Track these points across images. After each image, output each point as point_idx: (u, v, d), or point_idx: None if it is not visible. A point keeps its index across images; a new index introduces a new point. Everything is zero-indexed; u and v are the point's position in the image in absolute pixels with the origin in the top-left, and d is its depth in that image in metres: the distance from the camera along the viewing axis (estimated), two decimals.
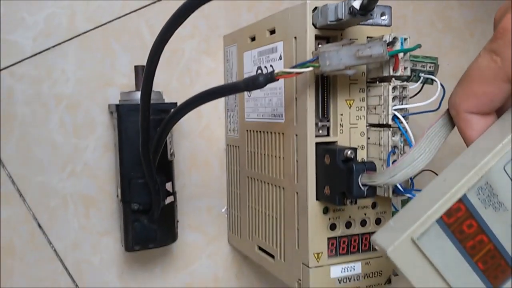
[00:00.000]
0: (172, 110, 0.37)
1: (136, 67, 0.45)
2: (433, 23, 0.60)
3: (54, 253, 0.46)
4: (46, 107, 0.45)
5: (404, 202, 0.40)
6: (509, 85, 0.27)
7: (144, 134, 0.37)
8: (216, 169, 0.50)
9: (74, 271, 0.47)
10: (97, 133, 0.47)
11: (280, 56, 0.38)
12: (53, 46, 0.45)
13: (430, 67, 0.38)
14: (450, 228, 0.27)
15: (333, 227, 0.35)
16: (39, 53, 0.45)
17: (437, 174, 0.39)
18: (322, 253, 0.35)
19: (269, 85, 0.39)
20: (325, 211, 0.35)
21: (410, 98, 0.35)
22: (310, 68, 0.32)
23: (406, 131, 0.34)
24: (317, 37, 0.34)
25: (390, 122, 0.34)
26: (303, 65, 0.32)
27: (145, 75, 0.34)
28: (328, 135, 0.35)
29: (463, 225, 0.27)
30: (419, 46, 0.34)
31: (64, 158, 0.46)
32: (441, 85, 0.36)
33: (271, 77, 0.32)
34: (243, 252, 0.47)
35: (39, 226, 0.46)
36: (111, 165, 0.47)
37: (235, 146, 0.48)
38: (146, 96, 0.35)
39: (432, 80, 0.38)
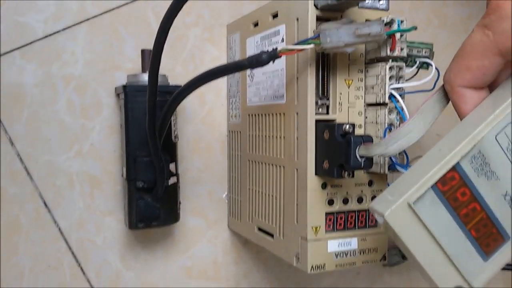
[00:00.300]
0: (180, 87, 0.38)
1: (142, 51, 0.46)
2: (429, 19, 0.61)
3: (58, 231, 0.47)
4: (55, 87, 0.47)
5: None
6: (500, 58, 0.28)
7: (151, 110, 0.39)
8: (217, 154, 0.51)
9: (78, 250, 0.48)
10: (103, 115, 0.48)
11: (283, 39, 0.39)
12: (63, 29, 0.47)
13: (425, 52, 0.40)
14: (444, 196, 0.28)
15: (330, 202, 0.37)
16: (50, 35, 0.46)
17: None
18: (320, 227, 0.36)
19: (270, 68, 0.41)
20: (324, 186, 0.36)
21: (406, 81, 0.37)
22: (312, 45, 0.33)
23: (402, 109, 0.35)
24: (318, 18, 0.36)
25: (387, 100, 0.35)
26: (304, 42, 0.33)
27: (154, 51, 0.36)
28: (327, 113, 0.37)
29: (457, 193, 0.29)
30: (414, 28, 0.35)
31: (71, 138, 0.47)
32: (436, 68, 0.38)
33: (274, 54, 0.34)
34: (243, 235, 0.48)
35: (45, 204, 0.47)
36: (116, 146, 0.48)
37: (237, 132, 0.49)
38: (154, 71, 0.36)
39: (428, 65, 0.40)
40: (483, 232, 0.29)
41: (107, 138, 0.48)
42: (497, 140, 0.29)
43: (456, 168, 0.28)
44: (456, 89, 0.30)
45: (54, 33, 0.47)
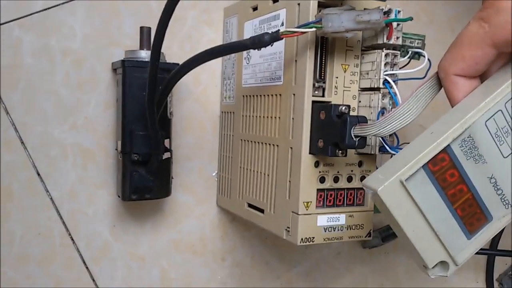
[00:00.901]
0: (181, 63, 0.40)
1: (141, 28, 0.47)
2: (418, 15, 0.64)
3: (50, 201, 0.48)
4: (53, 60, 0.47)
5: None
6: (494, 49, 0.30)
7: (151, 84, 0.40)
8: (209, 133, 0.53)
9: (68, 220, 0.49)
10: (99, 89, 0.49)
11: (283, 23, 0.41)
12: (63, 3, 0.47)
13: (418, 43, 0.42)
14: (434, 175, 0.30)
15: (322, 180, 0.39)
16: (49, 8, 0.47)
17: None
18: (311, 202, 0.38)
19: (268, 51, 0.43)
20: (316, 165, 0.38)
21: (399, 69, 0.39)
22: (313, 29, 0.35)
23: (396, 94, 0.37)
24: (319, 4, 0.37)
25: (381, 85, 0.37)
26: (307, 25, 0.35)
27: (159, 25, 0.37)
28: (323, 95, 0.39)
29: (446, 174, 0.31)
30: (410, 18, 0.37)
31: (67, 110, 0.48)
32: (428, 59, 0.40)
33: (277, 36, 0.35)
34: (232, 211, 0.50)
35: (38, 173, 0.48)
36: (110, 121, 0.49)
37: (230, 113, 0.50)
38: (157, 46, 0.38)
39: (419, 56, 0.42)
40: (468, 212, 0.31)
41: (102, 112, 0.49)
42: (486, 126, 0.31)
43: (446, 150, 0.30)
44: (449, 76, 0.32)
45: (53, 6, 0.47)
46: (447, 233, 0.31)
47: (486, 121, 0.31)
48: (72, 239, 0.49)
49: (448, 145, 0.30)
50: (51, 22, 0.47)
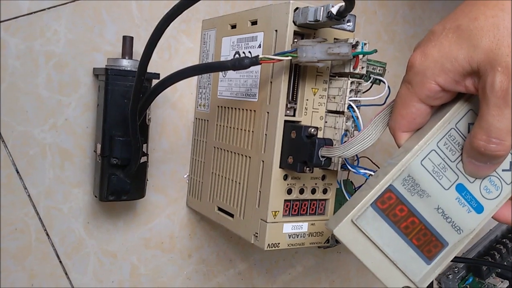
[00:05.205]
0: (165, 76, 0.43)
1: (124, 37, 0.50)
2: (380, 34, 0.69)
3: (28, 197, 0.50)
4: (36, 62, 0.49)
5: (344, 182, 0.48)
6: (423, 104, 0.34)
7: (136, 95, 0.42)
8: (183, 138, 0.56)
9: (45, 217, 0.51)
10: (80, 93, 0.51)
11: (260, 45, 0.45)
12: (49, 8, 0.49)
13: (379, 70, 0.47)
14: (384, 212, 0.34)
15: (289, 191, 0.43)
16: (35, 12, 0.49)
17: (372, 161, 0.48)
18: (278, 211, 0.42)
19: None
20: (285, 178, 0.42)
21: (363, 93, 0.43)
22: (289, 58, 0.39)
23: (358, 118, 0.41)
24: (295, 33, 0.41)
25: (345, 110, 0.42)
26: (283, 54, 0.39)
27: (148, 44, 0.40)
28: (294, 115, 0.42)
29: (395, 210, 0.35)
30: (375, 51, 0.41)
31: (48, 112, 0.50)
32: (388, 86, 0.45)
33: (256, 61, 0.39)
34: (202, 213, 0.54)
35: (17, 171, 0.49)
36: (89, 123, 0.52)
37: (204, 120, 0.54)
38: (145, 62, 0.40)
39: (380, 81, 0.47)
40: (424, 240, 0.35)
41: (81, 115, 0.51)
42: (422, 165, 0.35)
43: (391, 190, 0.34)
44: (397, 134, 0.37)
45: (39, 10, 0.49)
46: (406, 261, 0.35)
47: (422, 160, 0.35)
48: (48, 235, 0.51)
49: (390, 185, 0.34)
50: (36, 25, 0.49)
